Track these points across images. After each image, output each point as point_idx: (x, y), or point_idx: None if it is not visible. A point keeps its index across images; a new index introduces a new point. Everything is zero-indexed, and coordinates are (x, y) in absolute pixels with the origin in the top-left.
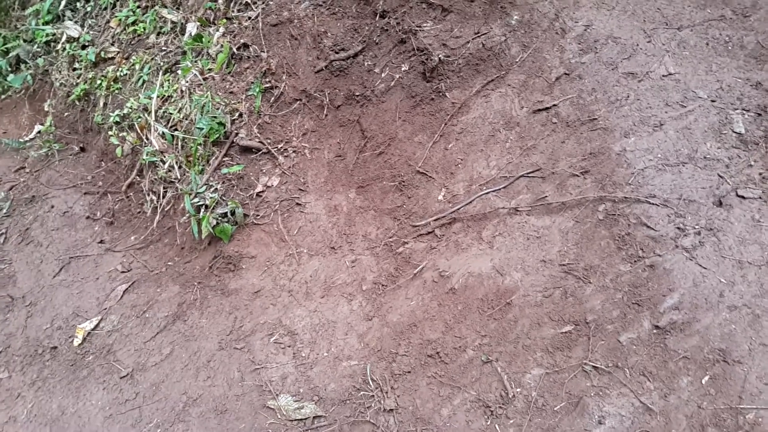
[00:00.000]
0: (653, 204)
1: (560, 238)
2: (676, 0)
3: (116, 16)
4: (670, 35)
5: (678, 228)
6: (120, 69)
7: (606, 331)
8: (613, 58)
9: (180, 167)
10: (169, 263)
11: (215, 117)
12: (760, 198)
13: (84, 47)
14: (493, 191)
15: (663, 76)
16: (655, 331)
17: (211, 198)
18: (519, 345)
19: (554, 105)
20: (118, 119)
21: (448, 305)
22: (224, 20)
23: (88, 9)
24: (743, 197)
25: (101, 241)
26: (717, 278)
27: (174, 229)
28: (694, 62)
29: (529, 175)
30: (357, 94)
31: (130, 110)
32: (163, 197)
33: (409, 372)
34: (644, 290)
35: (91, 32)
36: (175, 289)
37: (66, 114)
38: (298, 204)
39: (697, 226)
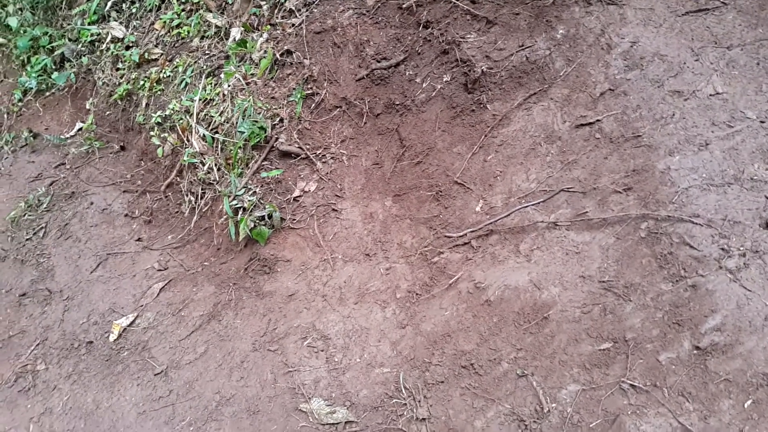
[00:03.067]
0: (697, 224)
1: (600, 255)
2: (726, 19)
3: (161, 19)
4: (719, 54)
5: (722, 249)
6: (163, 71)
7: (645, 350)
8: (659, 76)
9: (219, 169)
10: (205, 263)
11: (256, 121)
12: None
13: (128, 48)
14: (532, 205)
15: (710, 95)
16: (695, 352)
17: (249, 201)
18: (555, 360)
19: (597, 120)
20: (159, 120)
21: (483, 317)
22: (268, 26)
23: (133, 10)
24: None
25: (139, 239)
26: (762, 302)
27: (211, 230)
28: (743, 82)
29: (570, 189)
30: (397, 103)
31: (172, 112)
32: (201, 198)
33: (442, 382)
34: (685, 310)
35: (135, 33)
36: (210, 289)
37: (107, 113)
38: (334, 210)
39: (742, 248)
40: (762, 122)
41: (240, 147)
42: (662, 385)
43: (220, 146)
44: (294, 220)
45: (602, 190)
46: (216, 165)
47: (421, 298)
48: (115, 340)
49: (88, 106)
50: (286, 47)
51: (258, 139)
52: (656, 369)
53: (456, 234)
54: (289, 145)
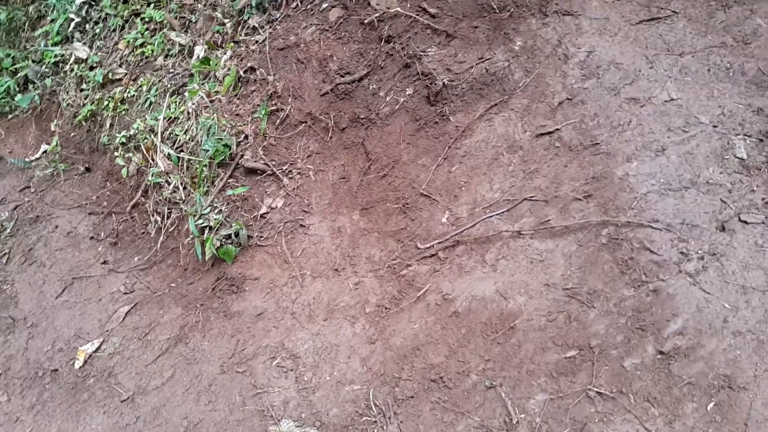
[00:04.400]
0: (656, 228)
1: (564, 262)
2: (677, 27)
3: (125, 38)
4: (672, 61)
5: (681, 253)
6: (127, 90)
7: (610, 357)
8: (616, 84)
9: (185, 188)
10: (172, 285)
11: (221, 139)
12: (763, 223)
13: (92, 68)
14: (496, 214)
15: (665, 101)
16: (659, 356)
17: (215, 219)
18: (523, 370)
19: (557, 129)
20: (124, 140)
21: (451, 329)
22: (231, 44)
23: (97, 31)
24: (746, 222)
25: (104, 262)
26: (721, 303)
27: (177, 251)
28: (696, 88)
29: (532, 198)
30: (362, 117)
31: (137, 131)
32: (168, 218)
33: (412, 397)
34: (648, 315)
35: (99, 54)
36: (177, 311)
37: (72, 134)
38: (302, 226)
39: (700, 251)
40: (715, 126)
41: (205, 165)
42: (628, 391)
43: (185, 165)
44: (261, 237)
45: (563, 198)
46: (182, 184)
47: (390, 312)
48: (80, 367)
49: (53, 128)
50: (249, 64)
51: (223, 157)
52: (621, 375)
53: (423, 246)
54: (255, 161)
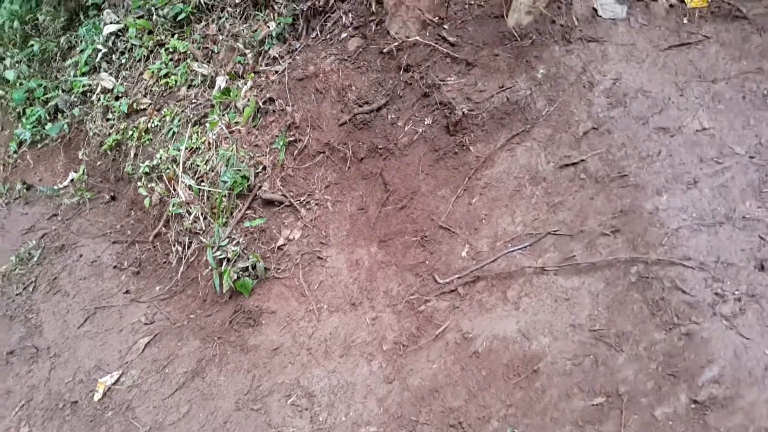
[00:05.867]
0: (689, 267)
1: (590, 301)
2: (709, 52)
3: (149, 69)
4: (704, 89)
5: (716, 294)
6: (151, 120)
7: (640, 405)
8: (644, 113)
9: (205, 218)
10: (191, 316)
11: (239, 170)
12: None
13: (117, 98)
14: (518, 249)
15: (697, 131)
16: (693, 406)
17: (233, 251)
18: (547, 417)
19: (582, 160)
20: (147, 170)
21: (471, 370)
22: (252, 74)
23: (123, 61)
24: None
25: (127, 291)
26: (761, 350)
27: (197, 281)
28: (730, 116)
29: (557, 232)
30: (380, 147)
31: (160, 161)
32: (188, 248)
33: None
34: (680, 360)
35: (124, 84)
36: (195, 343)
37: (99, 163)
38: (319, 258)
39: (737, 292)
40: (751, 157)
41: (224, 196)
42: None
43: (205, 195)
44: (279, 269)
45: (589, 233)
46: (202, 214)
47: (408, 350)
48: (99, 399)
49: (80, 156)
50: (269, 95)
51: (241, 188)
52: (652, 425)
53: (443, 281)
54: (273, 192)
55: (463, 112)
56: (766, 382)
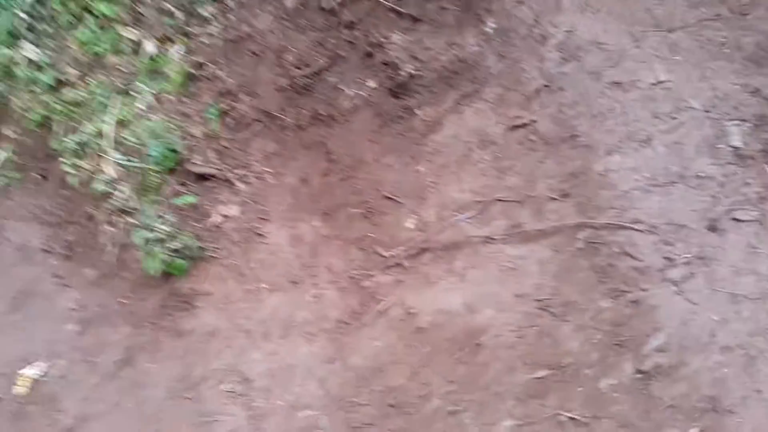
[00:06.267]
0: (638, 230)
1: (537, 270)
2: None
3: (75, 37)
4: (661, 38)
5: (666, 258)
6: (78, 92)
7: (584, 377)
8: (598, 67)
9: (138, 196)
10: (123, 300)
11: (168, 143)
12: (758, 221)
13: (42, 69)
14: (465, 218)
15: (652, 84)
16: (638, 376)
17: (164, 231)
18: (489, 392)
19: (533, 121)
20: (75, 145)
21: (415, 346)
22: (182, 38)
23: (47, 29)
24: (739, 220)
25: (56, 276)
26: (708, 315)
27: (129, 263)
28: (687, 68)
29: (505, 199)
30: (322, 113)
31: (87, 136)
32: (120, 228)
33: (369, 424)
34: (627, 329)
35: (49, 54)
36: (126, 330)
37: (26, 140)
38: (259, 234)
39: (687, 255)
40: (707, 111)
41: (153, 172)
42: (603, 416)
43: (135, 171)
44: (215, 248)
45: (538, 198)
46: (132, 192)
47: (350, 328)
48: (22, 393)
49: (6, 134)
50: (200, 60)
51: (171, 163)
52: (596, 397)
53: (387, 254)
54: (206, 166)
55: (409, 73)
56: (711, 348)
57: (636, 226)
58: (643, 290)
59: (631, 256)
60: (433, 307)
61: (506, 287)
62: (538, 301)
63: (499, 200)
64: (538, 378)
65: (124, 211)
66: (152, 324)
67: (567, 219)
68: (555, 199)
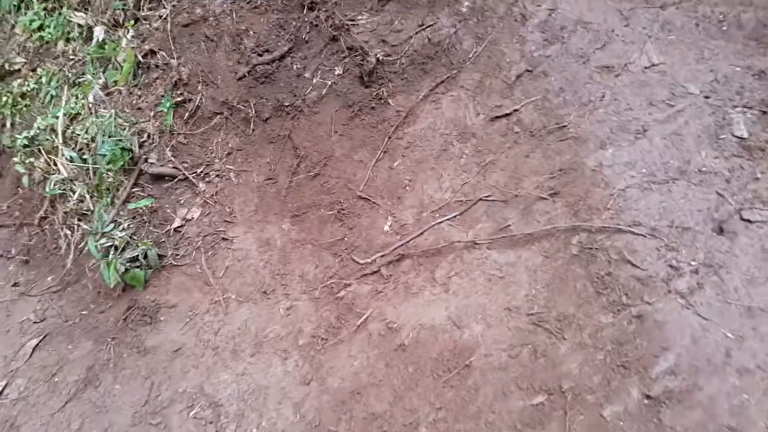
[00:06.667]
0: (638, 234)
1: (527, 279)
2: None
3: (21, 22)
4: (652, 16)
5: (670, 266)
6: (27, 83)
7: (586, 403)
8: (584, 49)
9: (92, 197)
10: (84, 312)
11: (120, 140)
12: None
13: None
14: (447, 219)
15: (645, 68)
16: (646, 402)
17: (120, 238)
18: (481, 421)
19: (515, 110)
20: (26, 141)
21: (397, 366)
22: (132, 22)
23: None
24: (749, 221)
25: (15, 284)
26: (721, 332)
27: (90, 270)
28: (682, 48)
29: (489, 198)
30: (287, 104)
31: (38, 131)
32: (77, 232)
33: None
34: (631, 349)
35: None
36: (87, 345)
37: None
38: (224, 239)
39: (693, 263)
40: (707, 97)
41: (106, 172)
42: None
43: (90, 170)
44: (177, 255)
45: (526, 198)
46: (88, 193)
47: (327, 344)
48: None
49: None
50: (150, 46)
51: (122, 162)
52: (600, 426)
53: (363, 261)
54: (162, 165)
55: (378, 58)
56: (728, 370)
57: (635, 230)
58: (648, 303)
59: (632, 264)
60: (415, 322)
61: (495, 299)
62: (531, 315)
63: (483, 200)
64: (535, 405)
65: (80, 214)
66: (114, 339)
67: (558, 221)
68: (544, 198)
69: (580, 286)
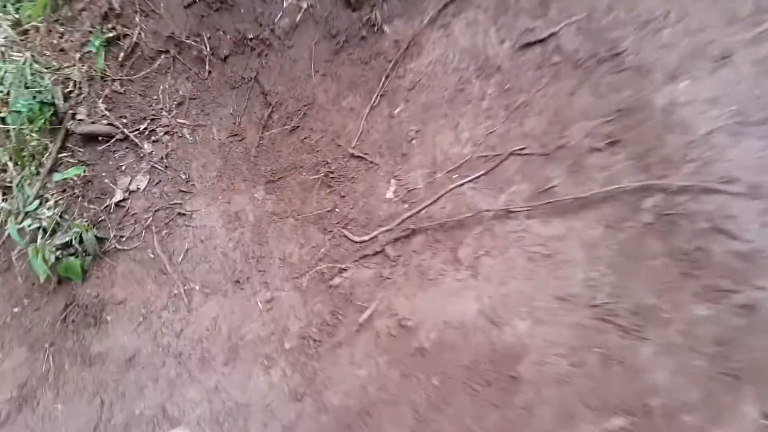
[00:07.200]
0: (733, 194)
1: (584, 257)
2: None
3: None
4: None
5: None
6: None
7: (684, 427)
8: None
9: (16, 165)
10: (16, 309)
11: (39, 92)
12: None
13: None
14: (469, 181)
15: None
16: (766, 422)
17: (48, 218)
18: None
19: (552, 34)
20: None
21: (416, 377)
22: None
23: None
24: None
25: None
26: None
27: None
28: None
29: (523, 152)
30: (250, 36)
31: None
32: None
33: None
34: (740, 351)
35: None
36: (22, 353)
37: None
38: (181, 214)
39: None
40: None
41: (30, 133)
42: None
43: (8, 132)
44: (122, 237)
45: (574, 149)
46: (10, 159)
47: (321, 348)
48: None
49: None
50: None
51: (44, 120)
52: None
53: (360, 239)
54: (94, 122)
55: None
56: None
57: (729, 188)
58: (758, 288)
59: (729, 235)
60: (436, 318)
61: (541, 285)
62: (594, 306)
63: (516, 154)
64: (612, 431)
65: (4, 188)
66: (52, 345)
67: (621, 179)
68: (599, 149)
69: (659, 265)
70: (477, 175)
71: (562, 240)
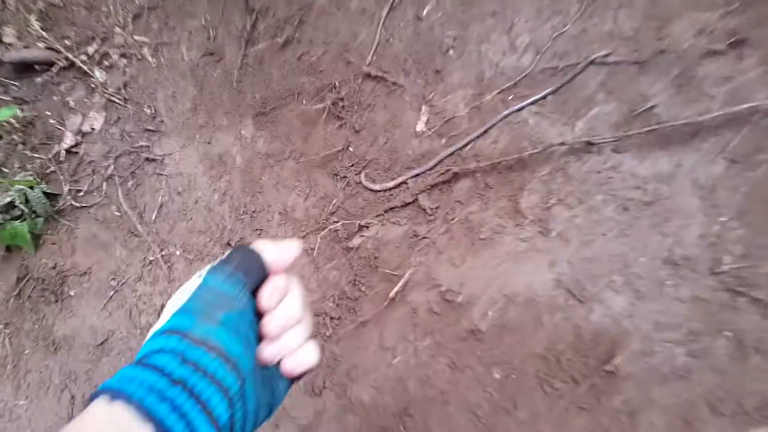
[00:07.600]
0: None
1: (700, 205)
2: None
3: None
4: None
5: None
6: None
7: None
8: None
9: None
10: None
11: None
12: None
13: None
14: (531, 104)
15: None
16: None
17: None
18: None
19: None
20: None
21: (471, 368)
22: None
23: None
24: None
25: None
26: None
27: None
28: None
29: (608, 59)
30: None
31: None
32: None
33: None
34: None
35: None
36: None
37: None
38: (149, 160)
39: None
40: None
41: None
42: None
43: None
44: (78, 192)
45: (681, 54)
46: None
47: (341, 329)
48: None
49: None
50: None
51: None
52: None
53: (380, 186)
54: (28, 46)
55: None
56: None
57: None
58: None
59: None
60: (495, 290)
61: (642, 245)
62: (719, 273)
63: (597, 63)
64: None
65: None
66: (8, 326)
67: (751, 95)
68: (717, 52)
69: None
70: (542, 94)
71: (667, 181)
